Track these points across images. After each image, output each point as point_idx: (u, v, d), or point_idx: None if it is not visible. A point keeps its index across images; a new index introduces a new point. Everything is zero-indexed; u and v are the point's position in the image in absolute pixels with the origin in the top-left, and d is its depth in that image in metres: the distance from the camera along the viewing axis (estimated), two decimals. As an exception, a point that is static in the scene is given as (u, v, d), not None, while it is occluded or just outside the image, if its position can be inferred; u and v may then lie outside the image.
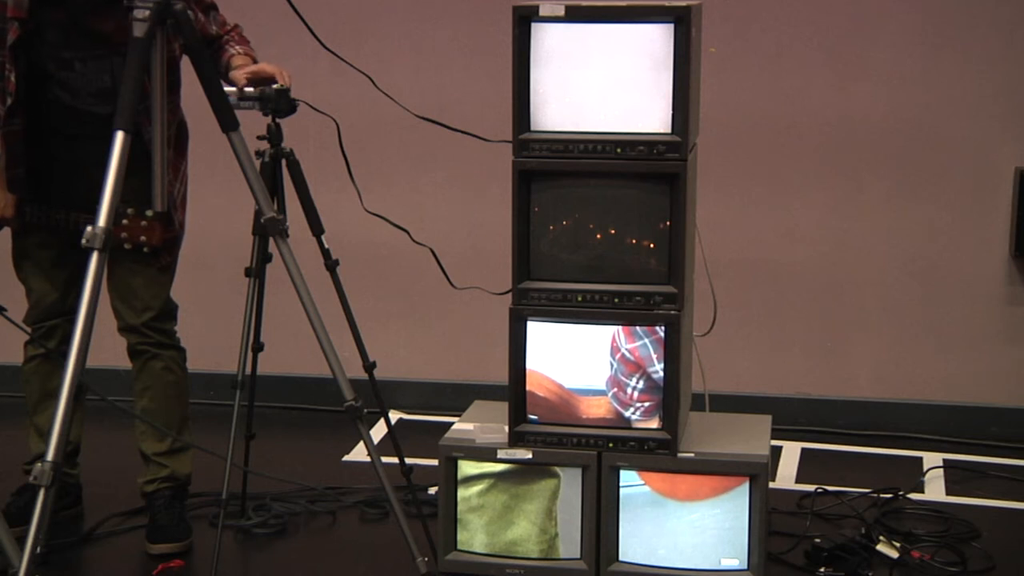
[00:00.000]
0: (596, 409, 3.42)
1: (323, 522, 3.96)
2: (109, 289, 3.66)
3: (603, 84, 3.30)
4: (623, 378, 3.39)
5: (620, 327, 3.37)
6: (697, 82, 3.44)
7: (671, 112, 3.28)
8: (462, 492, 3.49)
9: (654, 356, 3.36)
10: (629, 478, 3.41)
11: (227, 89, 3.33)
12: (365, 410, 3.28)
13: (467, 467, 3.49)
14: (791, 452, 4.50)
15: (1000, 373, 4.67)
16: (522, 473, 3.46)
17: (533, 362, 3.43)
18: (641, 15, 3.28)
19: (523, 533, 3.48)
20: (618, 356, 3.39)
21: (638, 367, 3.37)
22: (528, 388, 3.44)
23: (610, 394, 3.41)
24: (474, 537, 3.51)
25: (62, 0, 3.39)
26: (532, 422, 3.45)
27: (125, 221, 2.97)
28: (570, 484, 3.44)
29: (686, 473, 3.39)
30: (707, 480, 3.38)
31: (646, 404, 3.40)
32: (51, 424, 2.76)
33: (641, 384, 3.39)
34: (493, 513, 3.49)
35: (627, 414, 3.40)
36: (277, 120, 3.57)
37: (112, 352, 3.78)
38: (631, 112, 3.31)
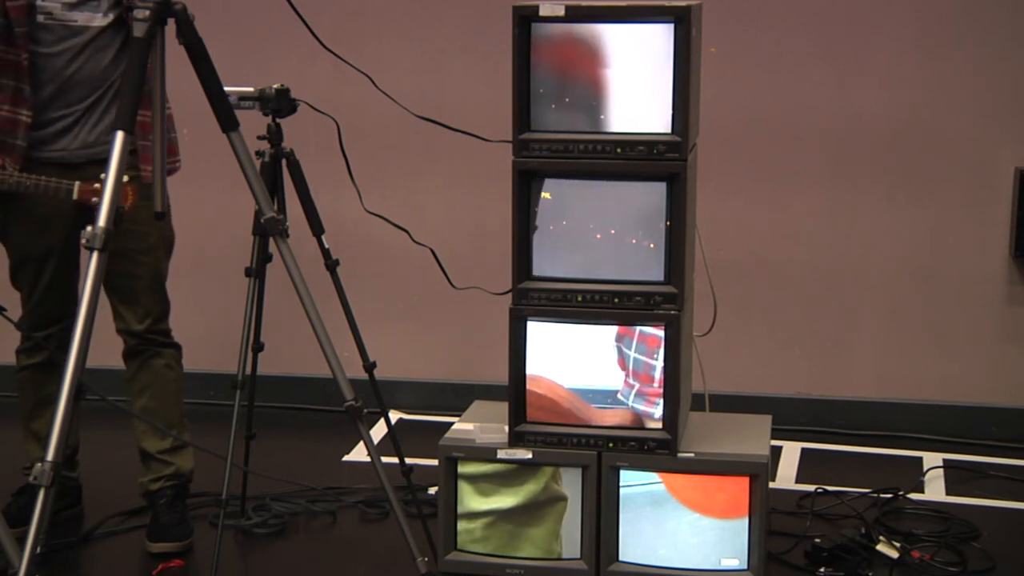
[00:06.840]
0: (596, 408, 3.42)
1: (323, 522, 3.96)
2: (110, 291, 3.66)
3: (603, 84, 3.30)
4: (649, 359, 3.37)
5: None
6: (697, 82, 3.44)
7: (671, 112, 3.28)
8: (465, 524, 3.49)
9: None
10: (635, 477, 3.41)
11: (227, 89, 3.33)
12: (365, 410, 3.28)
13: (472, 501, 3.48)
14: (791, 452, 4.50)
15: (1000, 373, 4.66)
16: (527, 508, 3.45)
17: (533, 362, 3.43)
18: (641, 15, 3.28)
19: (527, 555, 3.48)
20: (636, 336, 3.36)
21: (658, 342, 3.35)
22: (528, 388, 3.44)
23: (632, 394, 3.39)
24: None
25: None
26: (532, 422, 3.46)
27: (97, 185, 2.97)
28: (570, 485, 3.44)
29: (686, 473, 3.39)
30: (716, 487, 3.38)
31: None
32: (50, 426, 2.75)
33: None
34: (498, 543, 3.49)
35: (654, 411, 3.37)
36: (277, 120, 3.58)
37: (112, 352, 3.78)
38: (631, 112, 3.30)
